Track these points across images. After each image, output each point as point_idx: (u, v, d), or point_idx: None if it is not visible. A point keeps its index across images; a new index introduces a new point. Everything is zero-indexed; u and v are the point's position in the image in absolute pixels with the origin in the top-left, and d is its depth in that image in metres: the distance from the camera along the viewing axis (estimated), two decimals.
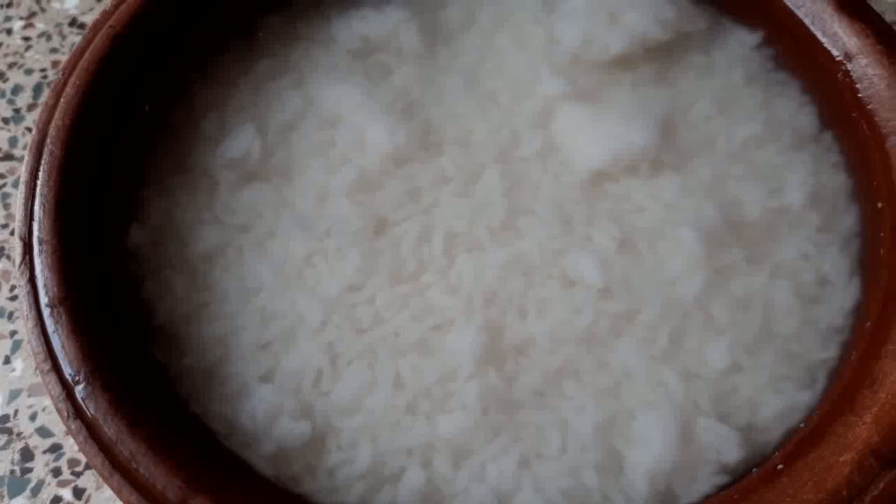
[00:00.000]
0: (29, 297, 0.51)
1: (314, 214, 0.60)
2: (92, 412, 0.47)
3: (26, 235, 0.53)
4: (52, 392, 0.50)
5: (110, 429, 0.47)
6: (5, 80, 0.89)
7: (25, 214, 0.53)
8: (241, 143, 0.62)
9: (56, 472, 0.69)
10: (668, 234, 0.59)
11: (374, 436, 0.53)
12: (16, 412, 0.72)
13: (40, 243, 0.52)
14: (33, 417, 0.72)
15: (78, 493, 0.69)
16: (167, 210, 0.61)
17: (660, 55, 0.65)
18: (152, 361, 0.55)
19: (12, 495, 0.69)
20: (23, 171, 0.55)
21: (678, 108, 0.64)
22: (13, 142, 0.85)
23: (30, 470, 0.70)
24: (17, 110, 0.86)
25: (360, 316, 0.57)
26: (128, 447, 0.48)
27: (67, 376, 0.51)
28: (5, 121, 0.86)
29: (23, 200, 0.53)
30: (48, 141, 0.55)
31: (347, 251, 0.58)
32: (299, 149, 0.63)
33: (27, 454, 0.71)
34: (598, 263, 0.57)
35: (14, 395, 0.72)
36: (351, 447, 0.53)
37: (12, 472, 0.70)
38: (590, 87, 0.64)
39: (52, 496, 0.69)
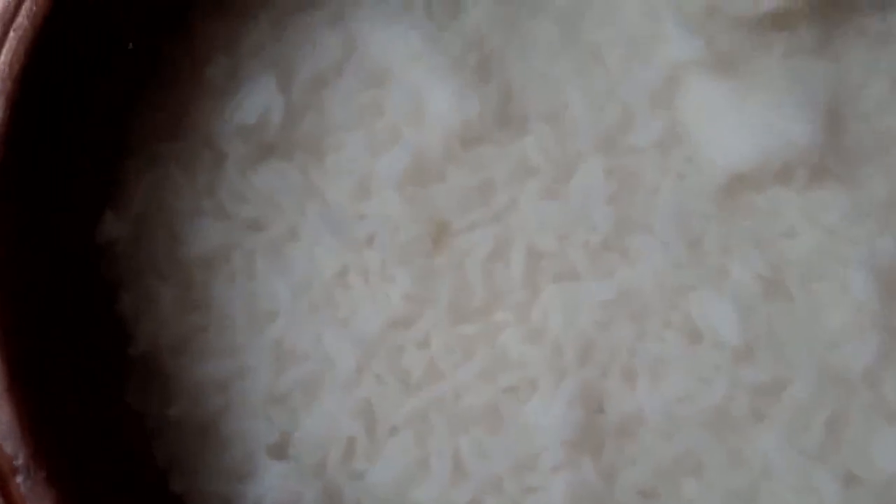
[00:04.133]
0: None
1: (351, 212, 0.53)
2: None
3: None
4: None
5: None
6: None
7: None
8: (258, 101, 0.54)
9: None
10: (830, 274, 0.51)
11: None
12: None
13: None
14: None
15: None
16: (155, 192, 0.53)
17: (823, 15, 0.56)
18: (123, 414, 0.49)
19: None
20: None
21: (845, 91, 0.55)
22: None
23: None
24: None
25: (408, 365, 0.50)
26: None
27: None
28: None
29: None
30: None
31: (395, 269, 0.51)
32: (335, 115, 0.54)
33: None
34: (736, 310, 0.50)
35: None
36: None
37: None
38: (732, 52, 0.55)
39: None
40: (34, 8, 0.48)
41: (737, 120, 0.53)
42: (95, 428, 0.45)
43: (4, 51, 0.48)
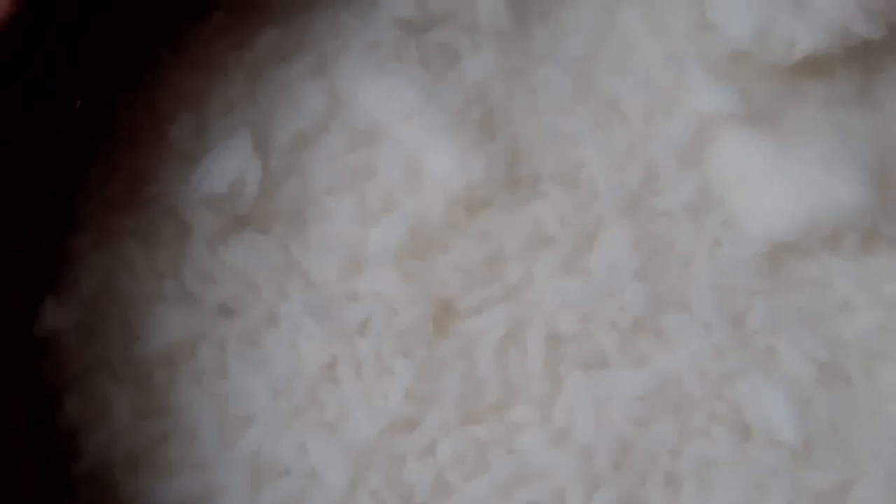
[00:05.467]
0: None
1: (340, 293, 0.50)
2: None
3: None
4: None
5: None
6: None
7: None
8: (229, 165, 0.51)
9: None
10: (892, 353, 0.50)
11: None
12: None
13: None
14: None
15: None
16: (107, 274, 0.51)
17: (861, 61, 0.55)
18: None
19: None
20: None
21: (893, 144, 0.54)
22: None
23: None
24: None
25: (410, 478, 0.47)
26: None
27: None
28: None
29: None
30: None
31: (392, 361, 0.49)
32: (319, 180, 0.53)
33: None
34: (790, 401, 0.48)
35: None
36: None
37: None
38: (765, 103, 0.54)
39: None
40: None
41: (776, 179, 0.52)
42: None
43: None
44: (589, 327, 0.49)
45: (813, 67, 0.54)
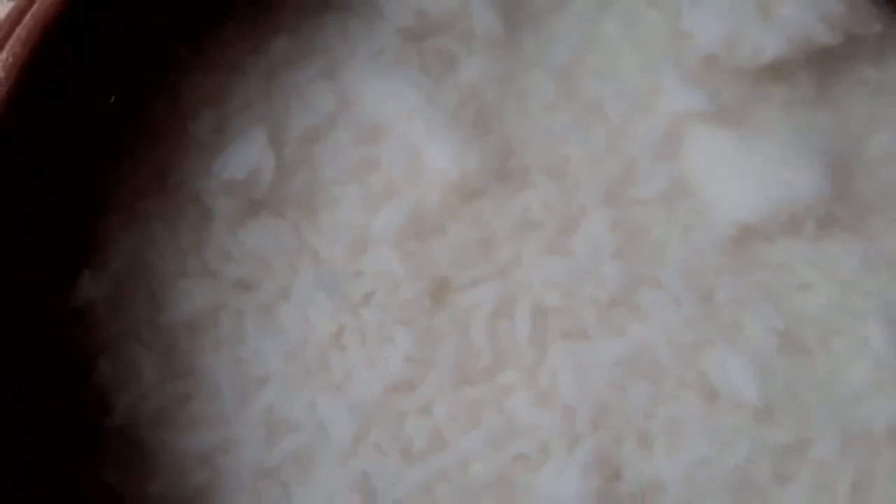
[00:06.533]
0: None
1: (346, 270, 0.51)
2: None
3: None
4: None
5: None
6: None
7: None
8: (247, 157, 0.52)
9: None
10: (846, 328, 0.50)
11: None
12: None
13: None
14: None
15: None
16: (135, 252, 0.52)
17: (821, 65, 0.56)
18: (100, 494, 0.46)
19: None
20: None
21: (849, 141, 0.55)
22: None
23: None
24: None
25: (410, 433, 0.49)
26: None
27: None
28: None
29: None
30: None
31: (394, 330, 0.50)
32: (328, 170, 0.54)
33: None
34: (753, 368, 0.49)
35: None
36: None
37: None
38: (733, 103, 0.55)
39: None
40: (10, 59, 0.47)
41: (741, 171, 0.53)
42: None
43: None
44: (571, 302, 0.50)
45: (776, 72, 0.55)
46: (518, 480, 0.47)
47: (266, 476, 0.48)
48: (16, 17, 0.47)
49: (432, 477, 0.47)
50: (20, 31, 0.47)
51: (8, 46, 0.47)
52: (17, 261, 0.46)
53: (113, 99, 0.52)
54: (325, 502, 0.47)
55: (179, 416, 0.49)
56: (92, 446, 0.47)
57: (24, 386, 0.45)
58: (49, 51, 0.47)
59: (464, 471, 0.47)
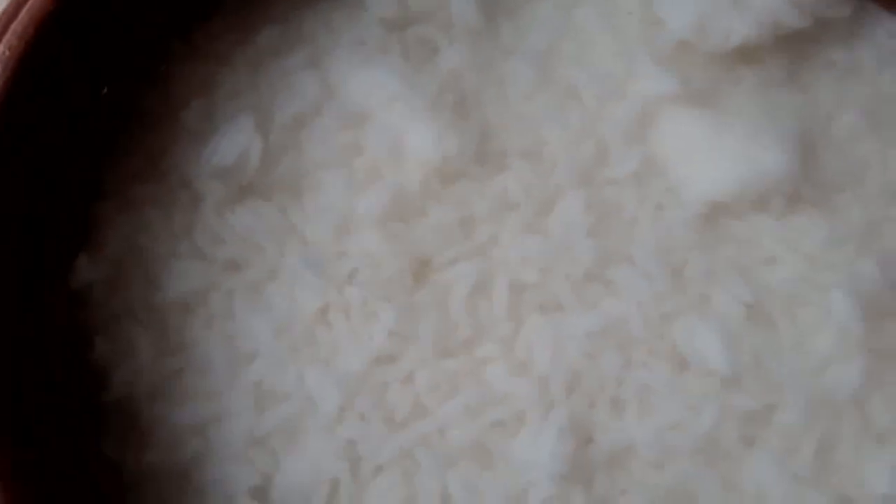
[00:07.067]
0: None
1: (331, 250, 0.52)
2: None
3: None
4: None
5: None
6: None
7: None
8: (235, 143, 0.53)
9: None
10: (812, 299, 0.51)
11: None
12: None
13: None
14: None
15: None
16: (130, 235, 0.53)
17: (790, 48, 0.56)
18: (98, 464, 0.47)
19: None
20: None
21: (816, 121, 0.55)
22: None
23: None
24: None
25: (392, 402, 0.49)
26: None
27: None
28: None
29: None
30: None
31: (377, 306, 0.50)
32: (313, 155, 0.54)
33: None
34: (721, 338, 0.50)
35: None
36: None
37: None
38: (704, 86, 0.55)
39: None
40: (6, 53, 0.48)
41: (712, 151, 0.53)
42: (71, 480, 0.44)
43: None
44: (546, 278, 0.51)
45: (746, 55, 0.55)
46: (495, 446, 0.48)
47: (256, 445, 0.49)
48: (11, 13, 0.49)
49: (414, 443, 0.48)
50: (16, 26, 0.48)
51: (4, 41, 0.48)
52: (18, 246, 0.47)
53: (106, 90, 0.53)
54: (313, 469, 0.48)
55: (173, 390, 0.50)
56: (91, 420, 0.49)
57: (26, 364, 0.46)
58: (44, 45, 0.48)
59: (443, 437, 0.48)
